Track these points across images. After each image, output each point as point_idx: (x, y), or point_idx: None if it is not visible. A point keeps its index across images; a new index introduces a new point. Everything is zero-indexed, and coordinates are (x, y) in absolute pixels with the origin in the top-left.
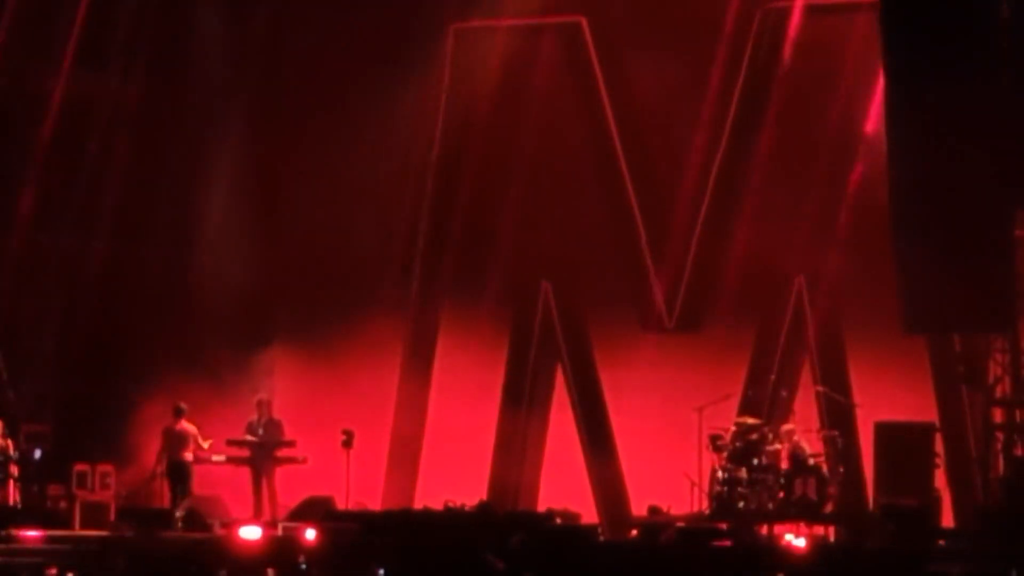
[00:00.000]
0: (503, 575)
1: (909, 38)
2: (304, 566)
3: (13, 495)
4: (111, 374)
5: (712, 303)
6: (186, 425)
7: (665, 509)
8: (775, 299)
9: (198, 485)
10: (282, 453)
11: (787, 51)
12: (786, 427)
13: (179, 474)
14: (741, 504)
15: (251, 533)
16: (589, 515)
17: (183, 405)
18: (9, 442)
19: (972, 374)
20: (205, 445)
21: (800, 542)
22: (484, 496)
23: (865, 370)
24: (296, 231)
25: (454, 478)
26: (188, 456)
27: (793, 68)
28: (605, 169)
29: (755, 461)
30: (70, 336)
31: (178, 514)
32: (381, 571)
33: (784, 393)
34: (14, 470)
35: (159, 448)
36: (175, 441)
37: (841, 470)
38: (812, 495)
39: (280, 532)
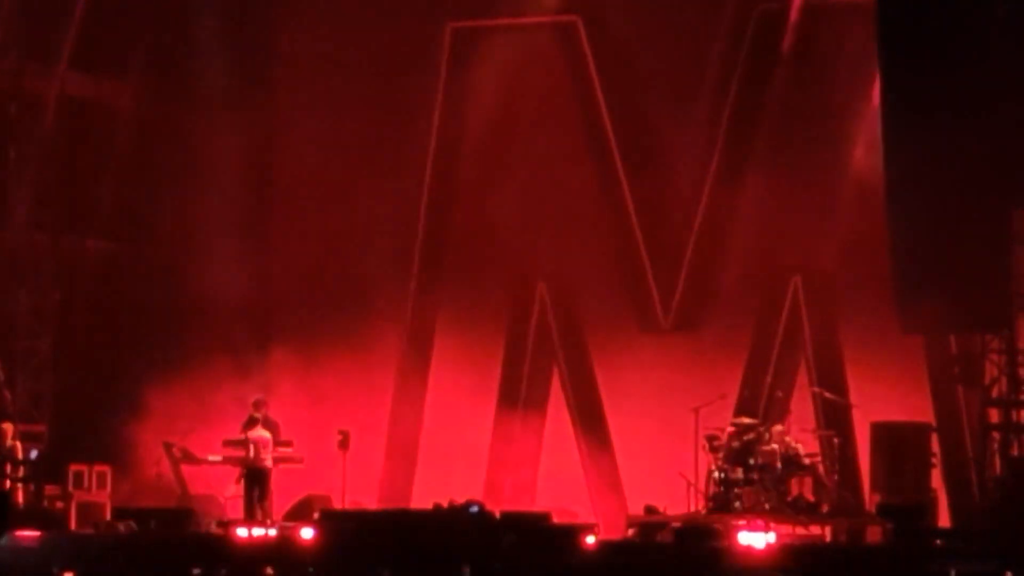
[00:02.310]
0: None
1: (905, 38)
2: (311, 570)
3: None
4: (107, 374)
5: (709, 303)
6: (262, 432)
7: (661, 509)
8: (772, 299)
9: (194, 485)
10: (278, 453)
11: (784, 51)
12: (776, 428)
13: (257, 479)
14: (737, 504)
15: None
16: (585, 515)
17: (257, 414)
18: (18, 444)
19: (968, 374)
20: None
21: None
22: (481, 496)
23: (862, 370)
24: (293, 232)
25: (450, 478)
26: (267, 462)
27: (790, 68)
28: (601, 169)
29: (751, 461)
30: (67, 336)
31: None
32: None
33: (780, 393)
34: (17, 471)
35: (239, 454)
36: (254, 447)
37: (837, 470)
38: (808, 495)
39: (276, 532)
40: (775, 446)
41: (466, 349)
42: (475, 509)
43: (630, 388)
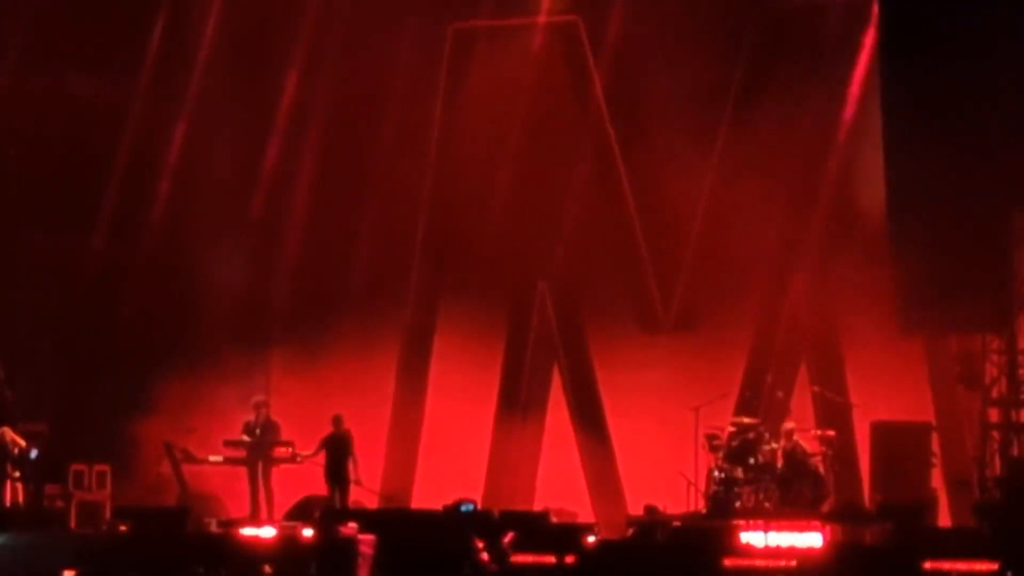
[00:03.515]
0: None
1: (906, 38)
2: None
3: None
4: (108, 374)
5: (709, 303)
6: (345, 433)
7: (662, 509)
8: (771, 299)
9: (195, 484)
10: (279, 453)
11: (783, 50)
12: (788, 425)
13: (340, 479)
14: (738, 504)
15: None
16: (585, 514)
17: (341, 414)
18: (18, 440)
19: (969, 374)
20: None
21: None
22: (481, 496)
23: (862, 370)
24: (293, 232)
25: (451, 478)
26: (350, 463)
27: (790, 67)
28: (601, 169)
29: (751, 461)
30: (68, 336)
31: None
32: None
33: (780, 393)
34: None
35: (319, 455)
36: (338, 448)
37: (837, 469)
38: (808, 494)
39: (277, 531)
40: (775, 446)
41: (466, 349)
42: (468, 508)
43: (630, 387)
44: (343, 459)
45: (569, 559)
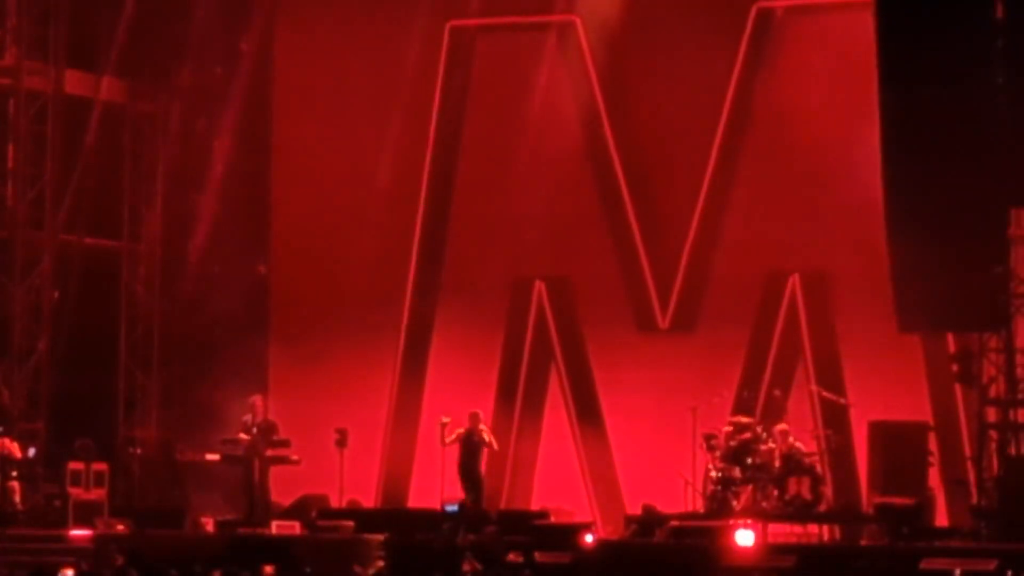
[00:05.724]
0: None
1: (904, 37)
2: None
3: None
4: (106, 373)
5: (706, 302)
6: (484, 431)
7: (659, 508)
8: (769, 298)
9: (192, 483)
10: (276, 452)
11: (780, 50)
12: (780, 427)
13: (471, 480)
14: (735, 504)
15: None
16: (583, 514)
17: (479, 411)
18: (15, 446)
19: (966, 373)
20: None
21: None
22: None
23: (859, 369)
24: (293, 231)
25: (449, 477)
26: (483, 461)
27: (787, 67)
28: (600, 167)
29: (749, 460)
30: (65, 335)
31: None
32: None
33: (778, 393)
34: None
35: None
36: (472, 446)
37: (834, 468)
38: (806, 494)
39: (275, 531)
40: (773, 445)
41: (464, 348)
42: (453, 509)
43: (628, 387)
44: (474, 459)
45: (567, 559)
